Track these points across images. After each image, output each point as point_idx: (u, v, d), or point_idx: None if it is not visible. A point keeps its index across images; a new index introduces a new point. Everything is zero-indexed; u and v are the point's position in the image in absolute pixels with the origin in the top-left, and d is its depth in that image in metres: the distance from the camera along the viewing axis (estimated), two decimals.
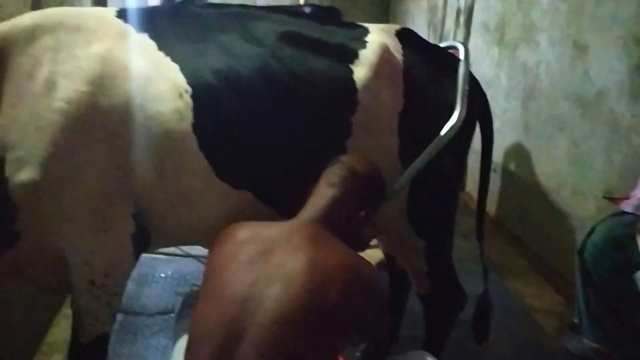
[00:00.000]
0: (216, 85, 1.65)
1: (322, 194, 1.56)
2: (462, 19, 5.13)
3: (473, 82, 1.97)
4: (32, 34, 1.60)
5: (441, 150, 1.84)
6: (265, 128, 1.70)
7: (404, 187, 1.87)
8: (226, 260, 1.44)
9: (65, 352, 2.40)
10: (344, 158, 1.66)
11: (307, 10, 2.30)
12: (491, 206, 4.36)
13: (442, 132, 1.84)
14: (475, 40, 4.89)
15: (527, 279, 3.59)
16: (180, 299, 1.97)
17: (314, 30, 1.83)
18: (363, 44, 1.84)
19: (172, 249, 3.34)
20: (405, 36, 1.96)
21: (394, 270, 2.53)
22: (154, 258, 3.22)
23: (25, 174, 1.53)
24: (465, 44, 2.09)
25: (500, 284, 3.42)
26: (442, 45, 2.18)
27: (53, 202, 1.57)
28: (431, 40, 2.69)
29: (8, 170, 1.54)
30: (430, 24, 6.17)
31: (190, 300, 1.87)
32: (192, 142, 1.64)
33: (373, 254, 3.21)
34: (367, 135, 1.80)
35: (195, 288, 2.55)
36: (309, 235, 1.44)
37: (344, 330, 1.38)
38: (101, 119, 1.57)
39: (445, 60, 2.00)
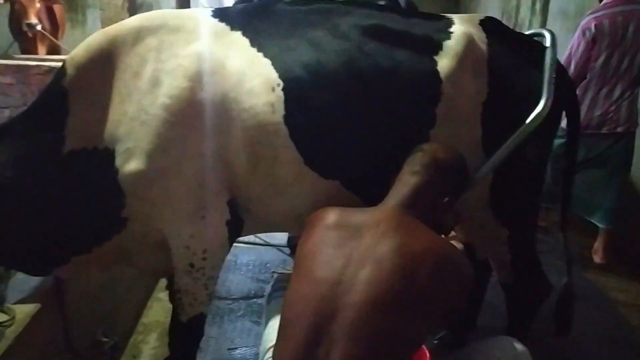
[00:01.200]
0: (306, 79, 1.73)
1: (405, 182, 1.61)
2: (538, 6, 4.98)
3: (560, 70, 1.95)
4: (138, 35, 1.75)
5: (526, 138, 1.83)
6: (352, 119, 1.76)
7: (487, 176, 1.88)
8: (317, 244, 1.51)
9: (159, 332, 2.61)
10: (426, 146, 1.69)
11: (383, 3, 2.34)
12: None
13: (528, 121, 1.83)
14: (552, 28, 4.71)
15: (611, 272, 3.47)
16: (269, 283, 2.08)
17: (398, 23, 1.87)
18: (447, 35, 1.86)
19: (253, 238, 3.50)
20: (490, 25, 1.96)
21: (473, 259, 2.54)
22: (237, 247, 3.37)
23: (132, 165, 1.67)
24: (552, 31, 2.05)
25: (583, 276, 3.33)
26: (527, 33, 2.16)
27: (157, 191, 1.71)
28: None
29: (118, 161, 1.69)
30: (504, 12, 6.02)
31: (279, 284, 1.97)
32: (284, 134, 1.72)
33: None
34: (451, 125, 1.82)
35: (276, 275, 2.66)
36: (396, 221, 1.49)
37: (432, 315, 1.42)
38: (200, 112, 1.69)
39: (531, 48, 1.98)
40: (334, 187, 1.81)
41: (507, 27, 2.05)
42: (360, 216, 1.54)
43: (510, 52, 1.91)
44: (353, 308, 1.34)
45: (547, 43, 1.96)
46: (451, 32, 1.87)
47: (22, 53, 5.68)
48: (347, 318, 1.34)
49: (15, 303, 1.73)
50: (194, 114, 1.69)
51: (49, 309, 1.80)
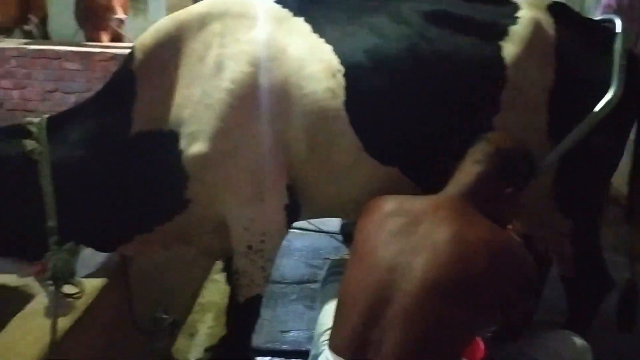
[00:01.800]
0: (367, 65, 1.73)
1: (468, 171, 1.59)
2: None
3: (631, 58, 1.86)
4: (203, 21, 1.79)
5: (594, 127, 1.77)
6: (413, 106, 1.75)
7: (552, 166, 1.83)
8: (374, 230, 1.52)
9: (214, 312, 2.69)
10: (490, 135, 1.66)
11: None
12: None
13: (596, 109, 1.77)
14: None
15: None
16: (323, 268, 2.10)
17: (461, 8, 1.84)
18: (514, 20, 1.82)
19: (306, 224, 3.53)
20: (558, 10, 1.90)
21: (532, 252, 2.48)
22: (290, 232, 3.39)
23: (196, 147, 1.72)
24: (621, 17, 1.96)
25: None
26: (596, 18, 2.08)
27: (219, 174, 1.75)
28: None
29: (182, 143, 1.74)
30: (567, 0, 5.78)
31: (333, 269, 1.98)
32: (344, 119, 1.73)
33: None
34: (516, 112, 1.78)
35: (329, 261, 2.68)
36: (454, 210, 1.48)
37: (488, 304, 1.41)
38: (261, 97, 1.72)
39: (600, 34, 1.91)
40: (393, 174, 1.81)
41: (576, 13, 1.98)
42: (419, 203, 1.53)
43: (579, 38, 1.85)
44: (408, 294, 1.35)
45: (618, 29, 1.88)
46: (518, 17, 1.83)
47: (87, 41, 5.93)
48: (402, 304, 1.35)
49: (84, 278, 1.81)
50: (256, 99, 1.72)
51: (115, 284, 1.88)
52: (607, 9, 3.36)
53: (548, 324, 2.39)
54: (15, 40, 5.88)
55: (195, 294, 2.84)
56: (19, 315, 1.62)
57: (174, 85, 1.77)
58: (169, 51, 1.78)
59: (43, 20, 6.99)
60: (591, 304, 2.13)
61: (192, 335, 2.53)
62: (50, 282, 1.66)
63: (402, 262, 1.40)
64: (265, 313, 2.64)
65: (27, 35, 6.67)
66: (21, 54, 5.04)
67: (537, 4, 1.90)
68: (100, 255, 1.96)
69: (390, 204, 1.56)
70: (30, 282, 1.77)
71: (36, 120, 1.79)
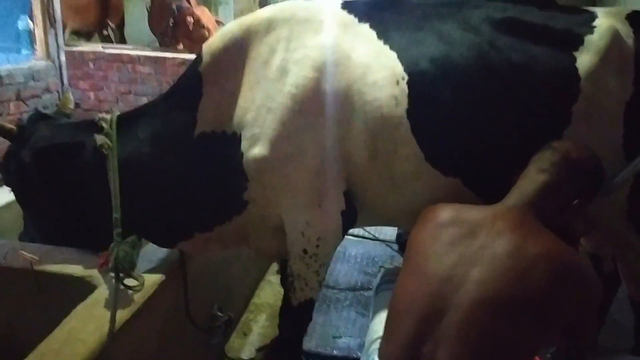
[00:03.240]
0: (432, 73, 1.70)
1: (532, 179, 1.51)
2: None
3: None
4: (269, 26, 1.82)
5: None
6: (479, 116, 1.70)
7: (626, 182, 1.73)
8: (429, 240, 1.47)
9: (268, 313, 2.72)
10: (557, 144, 1.58)
11: None
12: None
13: None
14: None
15: None
16: (377, 276, 2.08)
17: (534, 16, 1.77)
18: (590, 29, 1.74)
19: (362, 232, 3.52)
20: (638, 20, 1.80)
21: (599, 272, 2.35)
22: (346, 238, 3.38)
23: (257, 150, 1.75)
24: None
25: None
26: None
27: (278, 177, 1.77)
28: None
29: (243, 145, 1.78)
30: None
31: (388, 277, 1.95)
32: (406, 128, 1.70)
33: None
34: (588, 125, 1.70)
35: (383, 269, 2.65)
36: (514, 221, 1.41)
37: (547, 323, 1.33)
38: (324, 102, 1.72)
39: None
40: (454, 185, 1.77)
41: None
42: (477, 213, 1.48)
43: None
44: (462, 307, 1.30)
45: None
46: (594, 27, 1.74)
47: (161, 46, 6.18)
48: (456, 317, 1.30)
49: (144, 272, 1.88)
50: (319, 104, 1.72)
51: (173, 280, 1.94)
52: None
53: (615, 349, 2.27)
54: (93, 44, 6.21)
55: (250, 294, 2.88)
56: (81, 304, 1.69)
57: (239, 89, 1.80)
58: (235, 55, 1.82)
59: (120, 26, 7.37)
60: None
61: (245, 334, 2.57)
62: (112, 273, 1.73)
63: (456, 275, 1.35)
64: (317, 317, 2.66)
65: (105, 39, 7.05)
66: (98, 57, 5.32)
67: (616, 13, 1.81)
68: (161, 251, 2.03)
69: (446, 212, 1.51)
70: (94, 273, 1.85)
71: (107, 116, 1.88)
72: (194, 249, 2.03)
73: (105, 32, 7.16)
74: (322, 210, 1.81)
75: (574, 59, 1.71)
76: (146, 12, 6.51)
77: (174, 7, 5.80)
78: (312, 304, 1.98)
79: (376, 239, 3.54)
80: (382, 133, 1.72)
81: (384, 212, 1.90)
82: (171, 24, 5.86)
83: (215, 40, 1.87)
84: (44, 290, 1.88)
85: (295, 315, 2.00)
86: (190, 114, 1.83)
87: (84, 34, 6.84)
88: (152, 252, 2.01)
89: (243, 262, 2.73)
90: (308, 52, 1.75)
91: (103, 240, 1.78)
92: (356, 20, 1.82)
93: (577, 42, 1.73)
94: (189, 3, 5.89)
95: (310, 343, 2.45)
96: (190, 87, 1.86)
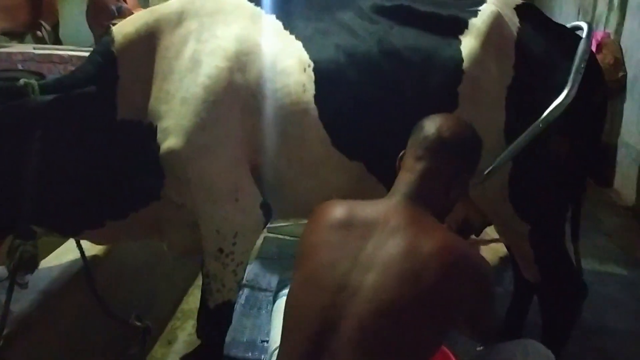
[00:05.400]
0: (336, 60, 1.74)
1: (411, 169, 1.41)
2: (616, 2, 4.65)
3: (594, 65, 1.86)
4: (180, 17, 1.78)
5: (548, 129, 1.74)
6: (379, 100, 1.74)
7: (505, 165, 1.79)
8: (320, 244, 1.36)
9: (196, 320, 2.60)
10: (427, 124, 1.44)
11: None
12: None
13: (549, 110, 1.74)
14: (630, 25, 4.40)
15: None
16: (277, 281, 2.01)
17: (425, 4, 1.83)
18: (474, 13, 1.81)
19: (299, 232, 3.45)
20: (526, 11, 1.89)
21: (519, 275, 2.36)
22: (279, 238, 3.35)
23: (171, 142, 1.69)
24: (590, 23, 2.01)
25: None
26: (568, 25, 2.03)
27: (193, 170, 1.71)
28: None
29: (158, 136, 1.71)
30: (580, 8, 5.67)
31: (285, 283, 1.88)
32: (313, 113, 1.73)
33: (499, 248, 3.06)
34: (474, 107, 1.76)
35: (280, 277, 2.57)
36: (405, 217, 1.33)
37: (444, 320, 1.28)
38: (237, 92, 1.70)
39: (567, 39, 1.88)
40: (359, 171, 1.79)
41: (546, 17, 1.97)
42: (369, 210, 1.37)
43: (543, 40, 1.84)
44: (358, 317, 1.22)
45: (583, 35, 1.86)
46: (478, 10, 1.81)
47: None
48: (352, 328, 1.21)
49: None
50: (232, 94, 1.70)
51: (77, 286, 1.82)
52: None
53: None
54: (22, 45, 5.94)
55: (177, 300, 2.76)
56: None
57: (152, 79, 1.75)
58: (147, 42, 1.76)
59: (55, 27, 7.08)
60: (563, 311, 2.04)
61: (170, 342, 2.45)
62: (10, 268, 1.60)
63: (350, 282, 1.26)
64: (246, 321, 2.59)
65: (39, 41, 6.75)
66: (27, 59, 5.06)
67: (505, 2, 1.88)
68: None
69: (337, 212, 1.39)
70: None
71: (31, 81, 1.67)
72: (99, 239, 1.94)
73: (39, 34, 6.86)
74: (239, 204, 1.76)
75: (459, 42, 1.77)
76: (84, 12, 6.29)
77: (113, 8, 5.64)
78: (231, 306, 1.91)
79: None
80: (292, 119, 1.73)
81: (298, 200, 1.88)
82: (111, 25, 5.68)
83: (127, 24, 1.79)
84: None
85: (212, 319, 1.92)
86: (110, 98, 1.73)
87: (17, 35, 6.53)
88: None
89: (169, 265, 2.62)
90: (220, 42, 1.73)
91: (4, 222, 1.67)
92: (263, 12, 1.84)
93: (462, 25, 1.80)
94: (126, 2, 5.74)
95: (237, 349, 2.37)
96: (107, 66, 1.74)
